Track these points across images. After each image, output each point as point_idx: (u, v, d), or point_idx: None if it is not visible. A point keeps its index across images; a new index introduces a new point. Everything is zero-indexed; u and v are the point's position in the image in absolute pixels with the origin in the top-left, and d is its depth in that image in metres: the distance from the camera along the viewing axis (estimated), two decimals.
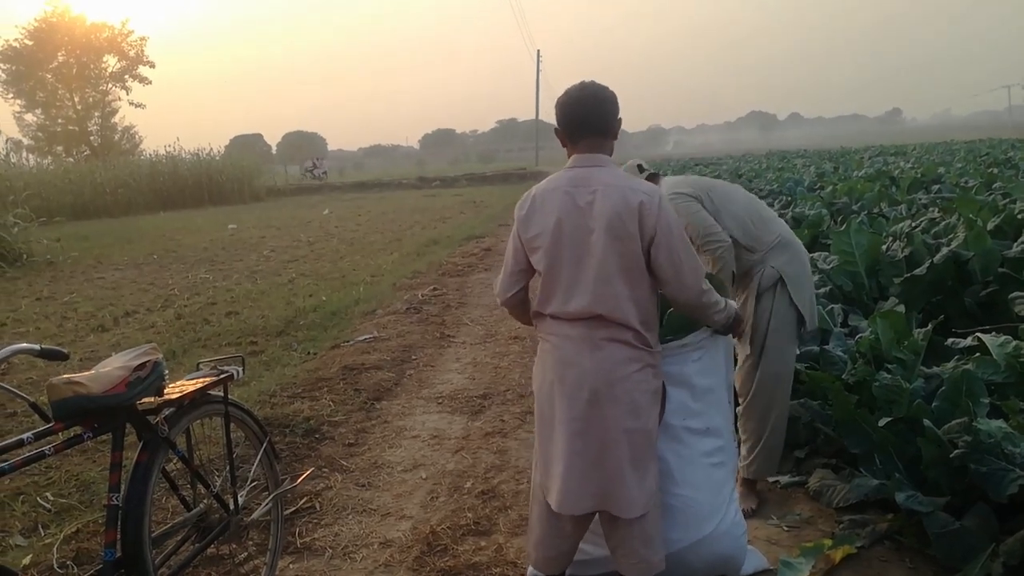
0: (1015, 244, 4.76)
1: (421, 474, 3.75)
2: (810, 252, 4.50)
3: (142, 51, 50.16)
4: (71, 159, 40.71)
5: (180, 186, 30.85)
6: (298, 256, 12.47)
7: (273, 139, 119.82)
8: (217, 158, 34.57)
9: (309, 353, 6.08)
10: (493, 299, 2.69)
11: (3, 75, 46.70)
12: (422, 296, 8.19)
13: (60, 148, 46.59)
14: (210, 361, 2.54)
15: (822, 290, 4.82)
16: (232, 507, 2.45)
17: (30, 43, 46.41)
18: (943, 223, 6.02)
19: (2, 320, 8.13)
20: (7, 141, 27.05)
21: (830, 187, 10.97)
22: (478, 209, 20.92)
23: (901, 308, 4.24)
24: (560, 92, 2.30)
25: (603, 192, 2.14)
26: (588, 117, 2.24)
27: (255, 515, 2.63)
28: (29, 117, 48.61)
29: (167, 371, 2.19)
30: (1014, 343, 3.32)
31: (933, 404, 3.08)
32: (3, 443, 1.79)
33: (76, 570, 2.83)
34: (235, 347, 6.35)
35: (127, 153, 44.16)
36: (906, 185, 10.68)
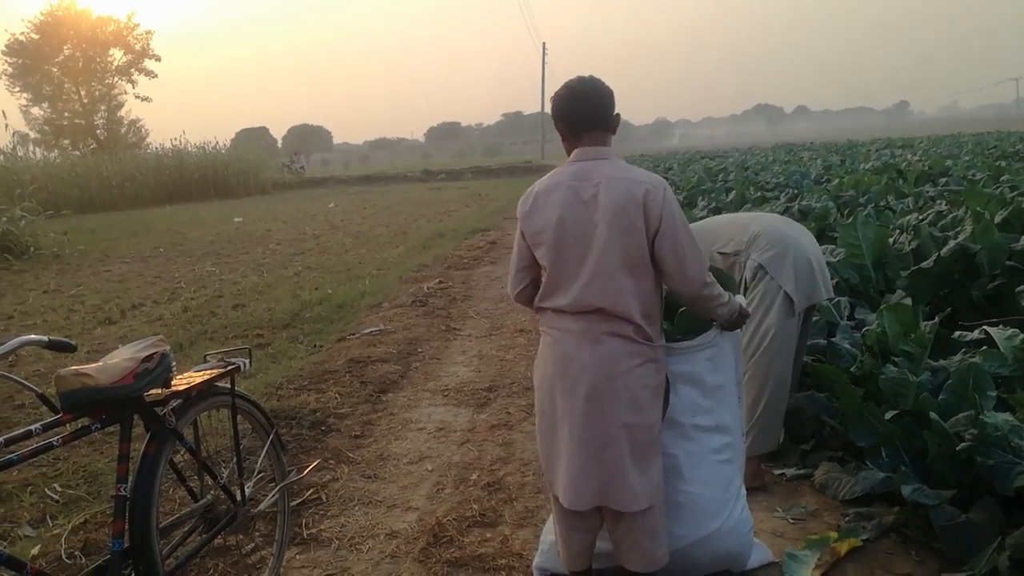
0: (1023, 237, 4.74)
1: (427, 466, 3.76)
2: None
3: (148, 45, 50.33)
4: (77, 152, 40.76)
5: (186, 179, 30.88)
6: (304, 249, 12.49)
7: (279, 132, 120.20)
8: (223, 151, 34.64)
9: (315, 346, 6.10)
10: (499, 292, 2.69)
11: (10, 69, 46.89)
12: (428, 289, 8.20)
13: (67, 142, 46.62)
14: (217, 353, 2.54)
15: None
16: (239, 498, 2.46)
17: (36, 37, 46.55)
18: (950, 216, 5.99)
19: (9, 312, 8.18)
20: (14, 135, 27.09)
21: (837, 180, 10.91)
22: (483, 202, 20.90)
23: (908, 301, 4.21)
24: None
25: (606, 185, 2.12)
26: (589, 112, 2.23)
27: (262, 506, 2.64)
28: (36, 111, 48.86)
29: (174, 363, 2.19)
30: (1021, 336, 3.30)
31: (940, 397, 3.07)
32: (12, 434, 1.80)
33: (84, 560, 2.85)
34: (242, 339, 6.37)
35: (133, 147, 44.32)
36: (913, 178, 10.63)
